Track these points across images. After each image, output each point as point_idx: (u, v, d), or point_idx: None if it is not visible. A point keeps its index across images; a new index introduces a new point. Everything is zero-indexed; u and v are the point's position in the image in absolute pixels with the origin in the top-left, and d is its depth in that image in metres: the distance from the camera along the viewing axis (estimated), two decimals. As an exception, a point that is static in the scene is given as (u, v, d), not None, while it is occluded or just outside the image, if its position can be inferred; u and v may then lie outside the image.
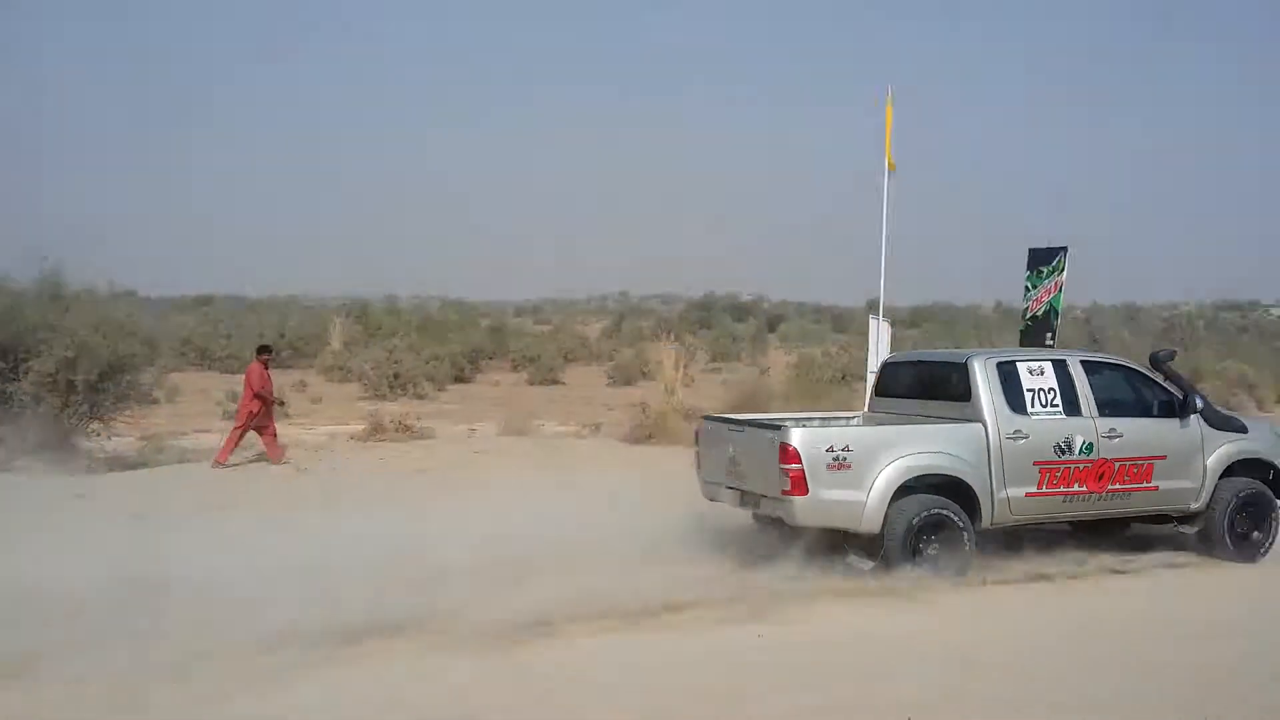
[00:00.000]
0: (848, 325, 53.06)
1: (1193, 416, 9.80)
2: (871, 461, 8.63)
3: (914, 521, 8.56)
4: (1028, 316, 18.77)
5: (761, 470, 8.83)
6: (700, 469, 10.05)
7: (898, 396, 10.39)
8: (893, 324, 26.72)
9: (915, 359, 11.54)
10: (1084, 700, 5.80)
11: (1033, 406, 9.25)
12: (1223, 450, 9.89)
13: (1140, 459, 9.50)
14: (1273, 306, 71.54)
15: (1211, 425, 9.92)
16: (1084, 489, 9.29)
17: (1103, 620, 7.81)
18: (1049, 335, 18.61)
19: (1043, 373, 9.44)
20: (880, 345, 19.01)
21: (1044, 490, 9.17)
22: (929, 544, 8.61)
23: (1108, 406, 9.52)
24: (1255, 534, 9.86)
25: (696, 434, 10.31)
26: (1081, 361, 9.84)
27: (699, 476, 10.10)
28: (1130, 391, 9.87)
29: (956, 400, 9.37)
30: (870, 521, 8.57)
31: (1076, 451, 9.24)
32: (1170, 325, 51.52)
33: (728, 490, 9.51)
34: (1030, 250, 18.51)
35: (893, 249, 18.37)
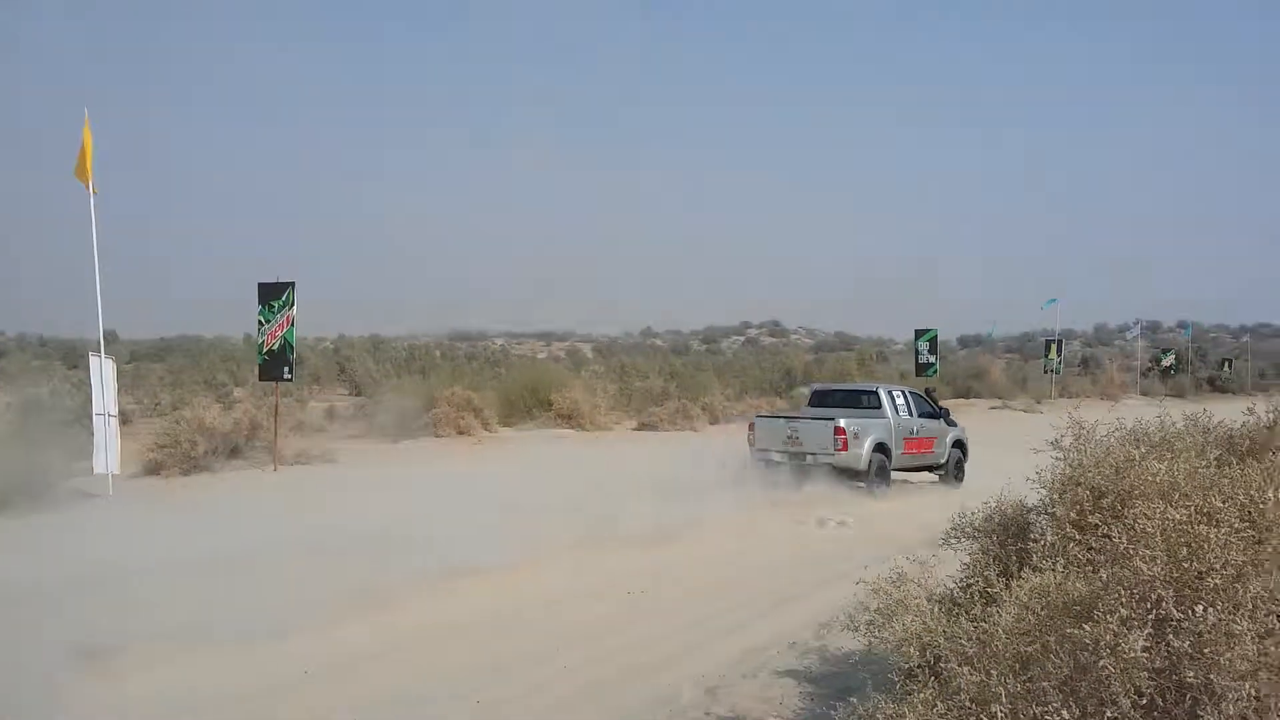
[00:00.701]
0: (83, 360, 47.93)
1: (942, 420, 18.58)
2: (865, 435, 16.66)
3: (877, 464, 16.69)
4: (264, 350, 18.68)
5: (819, 440, 16.59)
6: (754, 444, 17.48)
7: (826, 407, 18.17)
8: (127, 359, 24.44)
9: (839, 387, 20.88)
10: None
11: (899, 412, 17.71)
12: (950, 435, 18.70)
13: (930, 438, 18.19)
14: (496, 337, 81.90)
15: (947, 423, 18.69)
16: (915, 451, 17.83)
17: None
18: (286, 369, 18.71)
19: (900, 395, 18.13)
20: (106, 383, 17.29)
21: (906, 451, 17.58)
22: (880, 474, 16.75)
23: (918, 412, 18.17)
24: (959, 474, 18.47)
25: (751, 425, 17.96)
26: (909, 391, 18.58)
27: (753, 447, 17.48)
28: (924, 405, 18.52)
29: (872, 409, 17.62)
30: (864, 464, 16.53)
31: (913, 433, 17.78)
32: (411, 354, 55.65)
33: (778, 453, 17.05)
34: (260, 285, 18.46)
35: (108, 277, 16.78)
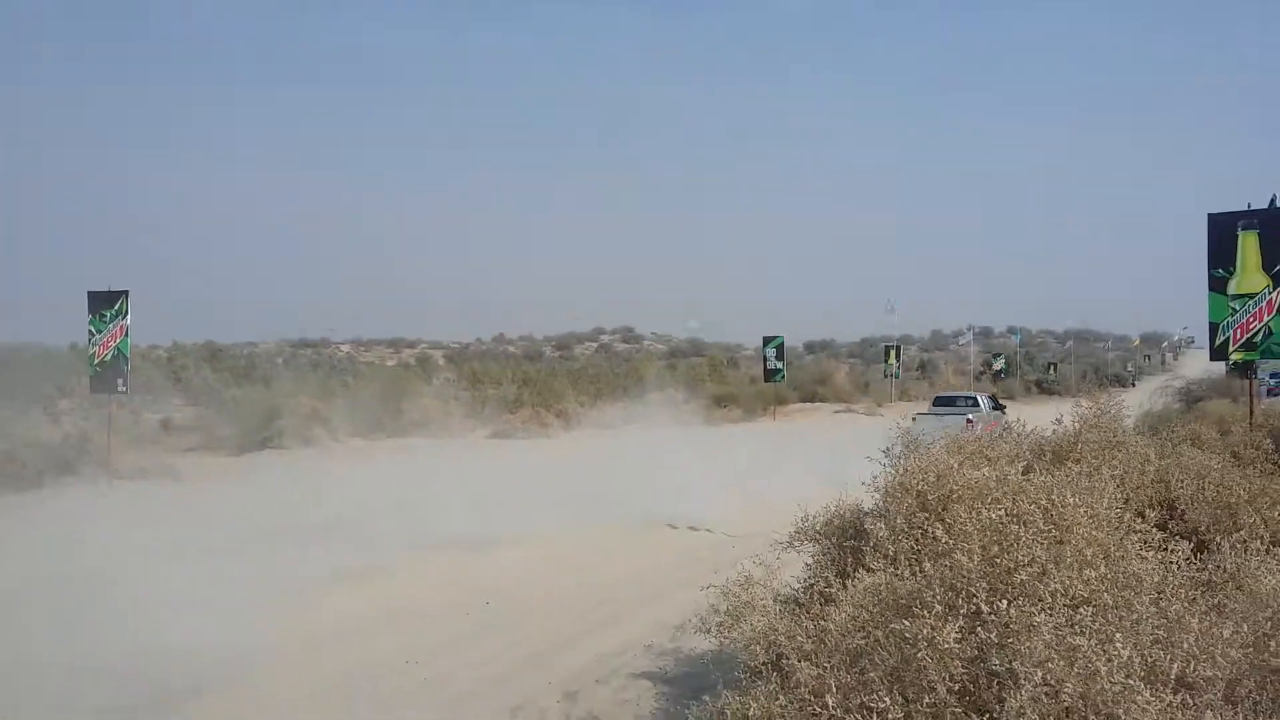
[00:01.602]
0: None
1: (1001, 411, 28.91)
2: (977, 421, 23.81)
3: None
4: (95, 362, 17.82)
5: (957, 425, 20.17)
6: (914, 422, 23.18)
7: (942, 405, 29.17)
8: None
9: (951, 394, 32.85)
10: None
11: (983, 407, 28.60)
12: (1003, 420, 21.84)
13: (996, 421, 21.44)
14: (342, 344, 79.80)
15: (1002, 413, 27.32)
16: (989, 429, 23.52)
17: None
18: (120, 381, 17.89)
19: (984, 397, 30.81)
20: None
21: (987, 429, 23.03)
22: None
23: (991, 406, 29.57)
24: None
25: (914, 418, 25.27)
26: (986, 395, 32.34)
27: (913, 426, 23.36)
28: (992, 402, 30.89)
29: (973, 405, 28.65)
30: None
31: (989, 419, 24.88)
32: (251, 362, 53.72)
33: (933, 426, 22.22)
34: (89, 294, 17.58)
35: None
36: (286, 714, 6.72)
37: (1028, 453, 5.95)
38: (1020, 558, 3.71)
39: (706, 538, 13.94)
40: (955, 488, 4.33)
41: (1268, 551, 4.21)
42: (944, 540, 3.83)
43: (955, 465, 4.49)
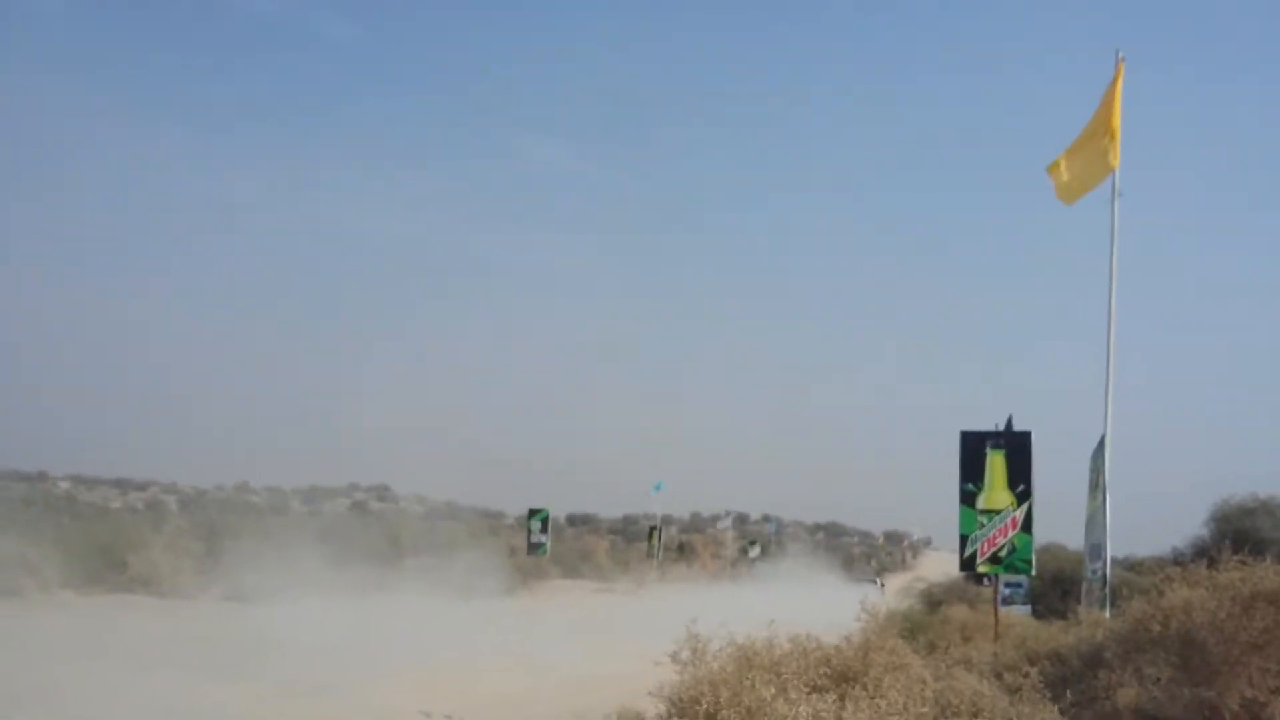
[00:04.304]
0: None
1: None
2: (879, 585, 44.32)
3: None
4: None
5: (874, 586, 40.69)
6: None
7: (864, 578, 51.44)
8: None
9: (866, 579, 50.97)
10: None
11: (879, 583, 47.19)
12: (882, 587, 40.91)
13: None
14: (62, 479, 72.08)
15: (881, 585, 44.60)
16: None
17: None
18: None
19: (881, 577, 56.30)
20: None
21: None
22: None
23: (880, 585, 45.63)
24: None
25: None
26: (878, 578, 54.76)
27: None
28: (881, 582, 49.10)
29: (874, 582, 47.35)
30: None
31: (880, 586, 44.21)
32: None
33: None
34: None
35: None
36: None
37: (816, 668, 5.80)
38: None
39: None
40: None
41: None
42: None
43: (768, 698, 4.24)
